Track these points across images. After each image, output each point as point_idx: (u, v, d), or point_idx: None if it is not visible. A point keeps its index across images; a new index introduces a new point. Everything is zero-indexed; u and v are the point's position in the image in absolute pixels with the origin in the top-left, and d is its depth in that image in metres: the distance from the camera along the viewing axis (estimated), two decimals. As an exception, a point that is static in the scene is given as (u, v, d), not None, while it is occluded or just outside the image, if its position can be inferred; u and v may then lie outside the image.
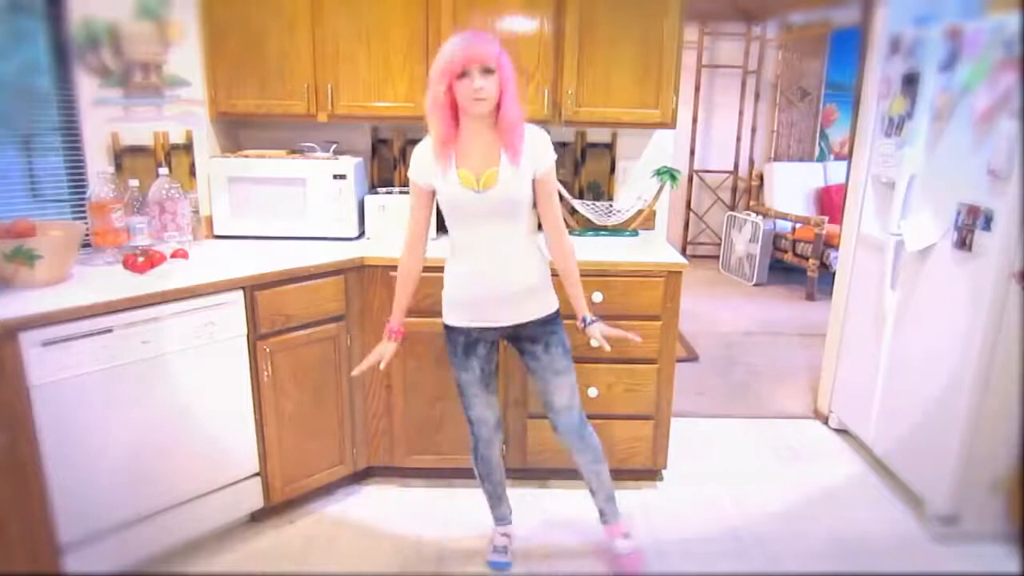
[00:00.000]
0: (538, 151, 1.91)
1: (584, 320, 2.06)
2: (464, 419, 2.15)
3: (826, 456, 2.98)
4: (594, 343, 2.06)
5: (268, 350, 2.25)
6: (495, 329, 2.00)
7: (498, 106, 1.82)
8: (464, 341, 2.01)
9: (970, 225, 2.25)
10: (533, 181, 1.92)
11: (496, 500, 2.28)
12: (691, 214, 6.71)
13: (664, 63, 2.56)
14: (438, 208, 1.98)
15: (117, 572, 2.04)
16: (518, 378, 2.52)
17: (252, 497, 2.33)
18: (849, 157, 3.20)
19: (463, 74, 1.76)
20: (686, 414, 3.25)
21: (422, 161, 1.92)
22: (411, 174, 1.95)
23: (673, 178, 2.75)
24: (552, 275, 2.06)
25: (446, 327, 2.04)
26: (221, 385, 2.19)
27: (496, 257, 1.94)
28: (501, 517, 2.31)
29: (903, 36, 2.65)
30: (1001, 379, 2.22)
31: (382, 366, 2.02)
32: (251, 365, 2.23)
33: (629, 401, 2.55)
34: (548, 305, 2.02)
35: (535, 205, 1.98)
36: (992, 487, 2.32)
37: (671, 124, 2.65)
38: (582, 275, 2.09)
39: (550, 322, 2.02)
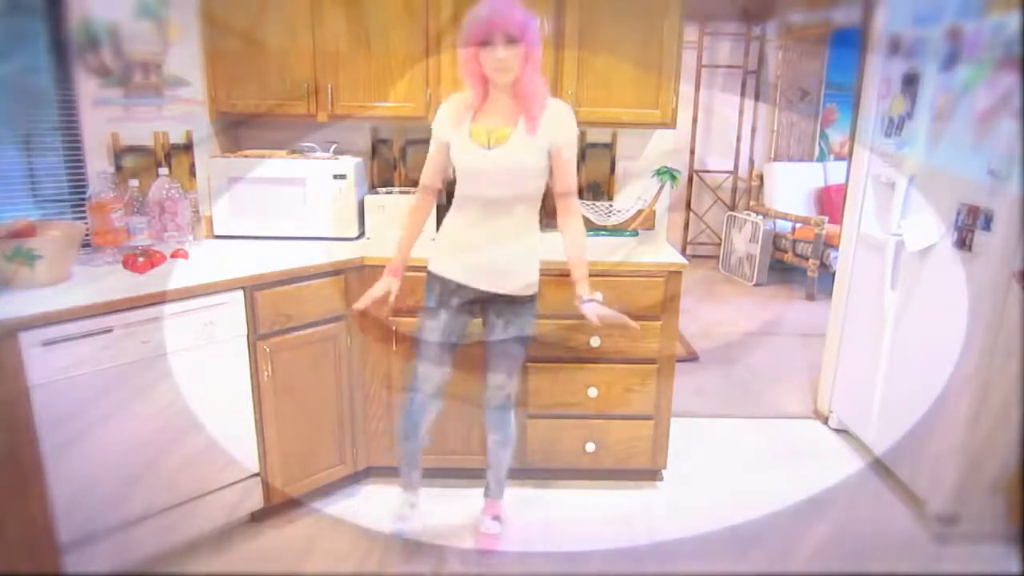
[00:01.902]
0: (560, 125, 1.93)
1: (582, 297, 2.04)
2: (409, 385, 2.15)
3: (826, 456, 2.98)
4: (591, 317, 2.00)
5: (268, 350, 2.25)
6: (472, 290, 2.02)
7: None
8: (440, 289, 2.04)
9: (970, 225, 2.25)
10: (549, 155, 1.94)
11: (411, 463, 2.28)
12: (691, 214, 6.70)
13: (664, 63, 2.56)
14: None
15: (117, 572, 2.04)
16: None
17: (252, 497, 2.33)
18: (849, 157, 3.20)
19: (486, 42, 1.78)
20: (686, 414, 3.24)
21: (443, 114, 2.00)
22: (432, 125, 2.03)
23: (673, 178, 2.74)
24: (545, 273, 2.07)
25: (429, 272, 2.07)
26: (221, 385, 2.19)
27: (494, 227, 1.97)
28: (411, 484, 2.32)
29: (903, 36, 2.65)
30: (1001, 379, 2.22)
31: (392, 299, 2.06)
32: (251, 365, 2.23)
33: (629, 401, 2.55)
34: (527, 288, 2.04)
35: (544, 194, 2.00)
36: (992, 487, 2.32)
37: (671, 124, 2.65)
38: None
39: (520, 304, 2.04)
